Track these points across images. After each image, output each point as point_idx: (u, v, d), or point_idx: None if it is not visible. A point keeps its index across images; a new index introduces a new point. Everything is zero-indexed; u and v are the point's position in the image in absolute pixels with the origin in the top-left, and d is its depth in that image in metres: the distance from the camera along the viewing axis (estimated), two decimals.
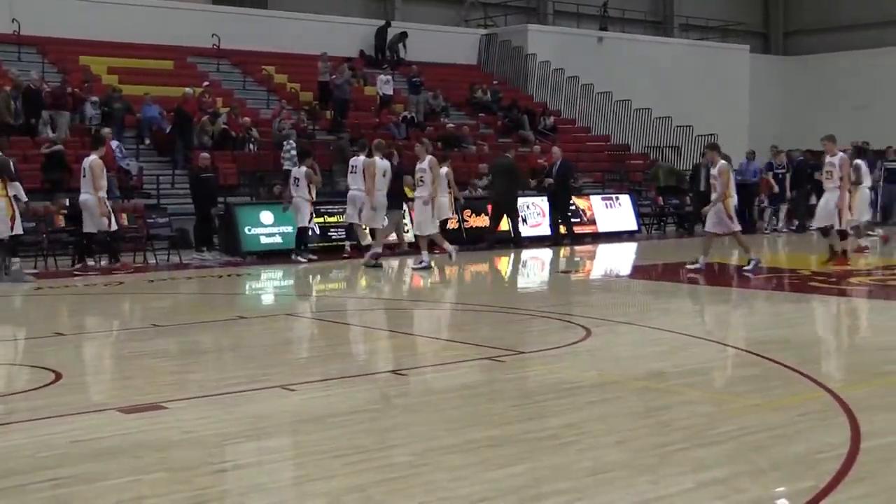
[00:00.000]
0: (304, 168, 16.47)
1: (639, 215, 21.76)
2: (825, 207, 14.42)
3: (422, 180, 14.79)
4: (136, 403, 6.10)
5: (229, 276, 14.25)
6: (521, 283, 14.82)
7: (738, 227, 13.93)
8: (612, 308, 11.17)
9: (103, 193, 14.50)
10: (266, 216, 17.08)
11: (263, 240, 16.92)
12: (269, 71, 25.26)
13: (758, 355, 7.52)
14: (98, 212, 14.37)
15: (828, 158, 14.39)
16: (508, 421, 5.59)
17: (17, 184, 13.53)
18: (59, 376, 7.03)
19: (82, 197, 14.64)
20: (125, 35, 24.10)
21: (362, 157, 16.49)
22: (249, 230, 16.78)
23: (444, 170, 16.86)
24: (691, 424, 5.45)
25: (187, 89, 21.00)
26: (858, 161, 17.75)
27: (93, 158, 14.65)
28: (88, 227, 14.59)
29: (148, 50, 24.19)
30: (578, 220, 20.81)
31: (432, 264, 14.58)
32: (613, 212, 21.34)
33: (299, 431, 5.48)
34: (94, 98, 20.34)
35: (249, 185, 19.94)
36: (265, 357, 7.97)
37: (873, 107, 33.89)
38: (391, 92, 25.21)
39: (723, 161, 13.81)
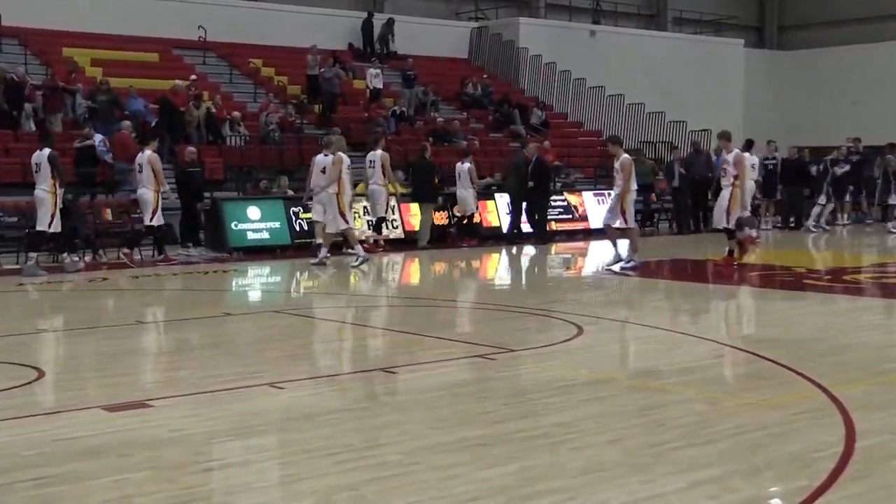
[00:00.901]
0: (379, 150, 16.83)
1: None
2: (720, 206, 14.31)
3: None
4: (122, 401, 6.09)
5: (215, 272, 14.25)
6: (513, 280, 14.84)
7: (632, 225, 14.10)
8: (604, 305, 11.19)
9: (165, 188, 15.16)
10: (253, 211, 17.04)
11: (250, 236, 16.87)
12: (256, 64, 25.19)
13: (752, 353, 7.55)
14: (154, 206, 14.89)
15: (724, 155, 14.47)
16: (500, 419, 5.60)
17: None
18: (41, 374, 7.02)
19: (139, 191, 15.11)
20: (109, 26, 24.00)
21: (379, 152, 16.88)
22: (236, 226, 16.75)
23: (467, 165, 17.83)
24: (685, 423, 5.47)
25: (177, 81, 20.96)
26: (745, 154, 18.68)
27: (149, 154, 15.08)
28: (147, 220, 15.08)
29: (132, 42, 24.08)
30: (570, 216, 20.86)
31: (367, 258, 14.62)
32: (605, 208, 21.30)
33: (288, 430, 5.47)
34: (79, 86, 20.32)
35: (236, 180, 19.91)
36: (253, 354, 7.97)
37: (870, 102, 34.01)
38: (381, 85, 25.19)
39: (625, 155, 13.92)
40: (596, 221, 20.97)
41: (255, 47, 25.67)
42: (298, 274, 14.48)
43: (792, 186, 22.08)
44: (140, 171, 15.01)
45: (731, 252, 14.29)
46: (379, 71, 25.54)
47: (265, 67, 25.33)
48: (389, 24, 28.40)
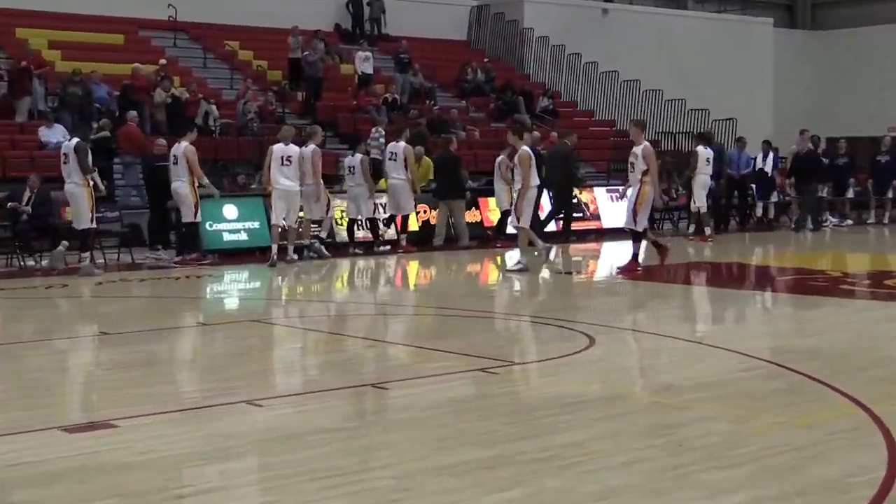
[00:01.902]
0: (402, 142, 17.19)
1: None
2: (628, 206, 14.21)
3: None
4: (83, 421, 6.09)
5: (188, 277, 14.24)
6: (516, 285, 14.85)
7: (525, 225, 14.22)
8: (617, 313, 11.20)
9: (205, 180, 15.63)
10: (230, 210, 17.04)
11: (227, 237, 16.88)
12: (232, 46, 25.17)
13: (781, 366, 7.57)
14: (191, 201, 15.41)
15: (633, 148, 14.10)
16: (503, 440, 5.61)
17: (95, 173, 14.43)
18: None
19: (175, 185, 15.56)
20: (68, 5, 23.97)
21: (402, 144, 17.36)
22: (211, 226, 16.75)
23: (501, 157, 17.83)
24: (708, 444, 5.48)
25: (137, 64, 20.92)
26: (700, 148, 19.31)
27: (185, 146, 15.51)
28: (187, 216, 15.58)
29: (94, 22, 24.05)
30: (581, 214, 20.86)
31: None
32: (620, 206, 21.29)
33: (268, 452, 5.47)
34: (44, 70, 20.36)
35: (211, 175, 19.84)
36: (229, 368, 7.97)
37: None
38: (371, 70, 25.21)
39: (525, 147, 14.03)
40: (609, 221, 21.05)
41: (231, 28, 25.67)
42: (280, 279, 14.50)
43: (805, 183, 21.89)
44: (175, 164, 15.46)
45: (635, 256, 13.96)
46: (369, 54, 25.54)
47: (242, 50, 25.31)
48: (380, 1, 28.50)
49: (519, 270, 14.03)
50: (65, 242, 14.52)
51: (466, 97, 27.22)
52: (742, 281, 14.51)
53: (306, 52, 23.97)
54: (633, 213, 13.90)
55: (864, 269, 15.46)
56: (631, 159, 14.01)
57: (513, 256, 15.08)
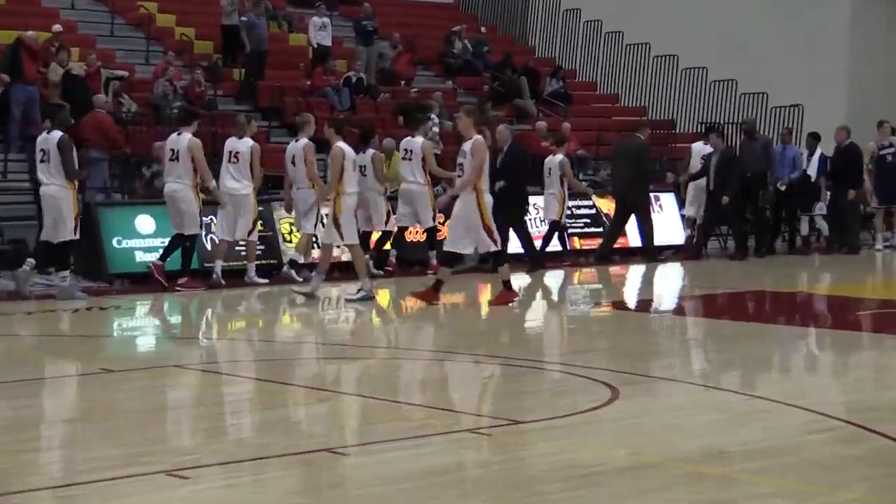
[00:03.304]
0: (419, 138, 17.53)
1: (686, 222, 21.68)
2: (466, 222, 14.00)
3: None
4: None
5: (89, 309, 14.14)
6: (518, 320, 14.83)
7: (351, 242, 14.46)
8: (649, 357, 11.12)
9: (212, 184, 15.70)
10: (144, 222, 16.91)
11: (140, 257, 16.72)
12: (148, 9, 25.09)
13: (862, 427, 7.56)
14: (195, 208, 15.44)
15: (463, 144, 14.22)
16: None
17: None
18: None
19: (172, 187, 15.53)
20: None
21: (419, 139, 17.56)
22: (119, 242, 16.62)
23: (560, 157, 18.63)
24: None
25: (30, 32, 20.88)
26: (696, 144, 19.72)
27: (189, 138, 15.57)
28: (190, 226, 15.46)
29: None
30: (600, 228, 20.71)
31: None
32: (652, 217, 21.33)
33: None
34: None
35: (120, 177, 19.82)
36: (142, 429, 7.85)
37: None
38: (329, 42, 25.13)
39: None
40: (637, 237, 20.91)
41: None
42: (210, 311, 14.43)
43: (839, 187, 21.66)
44: (175, 160, 15.51)
45: (506, 284, 14.15)
46: (327, 21, 25.42)
47: (161, 14, 25.22)
48: None
49: (362, 299, 14.33)
50: (30, 260, 14.62)
51: (453, 76, 27.18)
52: (800, 316, 14.59)
53: (244, 18, 23.89)
54: (485, 232, 13.77)
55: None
56: (460, 159, 14.23)
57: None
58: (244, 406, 9.02)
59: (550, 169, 18.84)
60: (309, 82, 24.32)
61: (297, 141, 16.39)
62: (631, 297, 17.22)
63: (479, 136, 14.16)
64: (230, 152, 15.99)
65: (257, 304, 15.20)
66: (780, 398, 8.71)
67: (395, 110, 23.52)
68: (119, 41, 24.36)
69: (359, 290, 14.55)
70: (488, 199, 13.95)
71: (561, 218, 19.06)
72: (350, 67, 24.96)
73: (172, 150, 15.69)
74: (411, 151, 17.53)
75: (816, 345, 12.13)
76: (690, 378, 9.74)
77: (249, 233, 16.04)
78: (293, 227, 17.67)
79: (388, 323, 14.42)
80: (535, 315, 15.19)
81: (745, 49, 30.72)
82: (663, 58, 28.87)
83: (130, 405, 8.85)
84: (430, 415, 8.14)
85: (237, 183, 15.85)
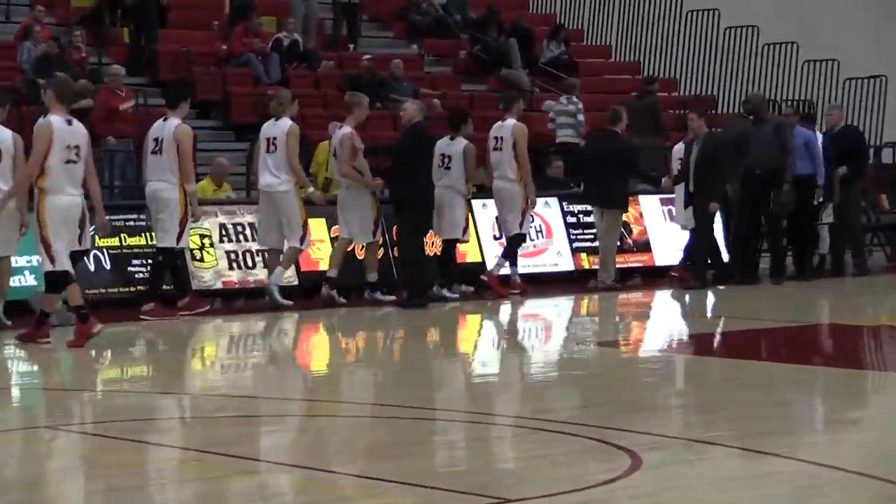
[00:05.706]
0: (460, 139, 18.03)
1: (730, 232, 21.18)
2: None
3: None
4: None
5: None
6: (515, 364, 14.87)
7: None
8: (678, 413, 11.16)
9: (192, 187, 15.94)
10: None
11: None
12: None
13: None
14: (178, 215, 15.76)
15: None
16: None
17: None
18: None
19: (154, 186, 15.79)
20: None
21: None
22: None
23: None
24: None
25: None
26: (681, 146, 19.99)
27: (177, 124, 15.78)
28: (167, 237, 15.90)
29: None
30: (618, 243, 20.48)
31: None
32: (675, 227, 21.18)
33: None
34: None
35: None
36: None
37: None
38: None
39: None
40: (664, 253, 20.86)
41: None
42: (94, 353, 14.42)
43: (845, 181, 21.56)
44: (157, 153, 15.64)
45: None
46: None
47: None
48: None
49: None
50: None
51: (418, 39, 27.14)
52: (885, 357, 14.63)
53: None
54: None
55: None
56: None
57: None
58: (147, 480, 8.76)
59: None
60: (225, 47, 23.99)
61: (340, 129, 16.61)
62: (656, 333, 17.21)
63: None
64: (267, 139, 16.32)
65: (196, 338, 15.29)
66: (848, 466, 8.57)
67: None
68: None
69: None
70: None
71: None
72: (281, 27, 24.89)
73: (156, 141, 15.67)
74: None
75: (888, 392, 12.17)
76: (729, 441, 9.55)
77: (302, 239, 16.32)
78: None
79: None
80: (530, 357, 15.24)
81: (806, 8, 30.81)
82: (698, 14, 28.87)
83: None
84: (399, 491, 7.98)
85: (274, 178, 16.30)
